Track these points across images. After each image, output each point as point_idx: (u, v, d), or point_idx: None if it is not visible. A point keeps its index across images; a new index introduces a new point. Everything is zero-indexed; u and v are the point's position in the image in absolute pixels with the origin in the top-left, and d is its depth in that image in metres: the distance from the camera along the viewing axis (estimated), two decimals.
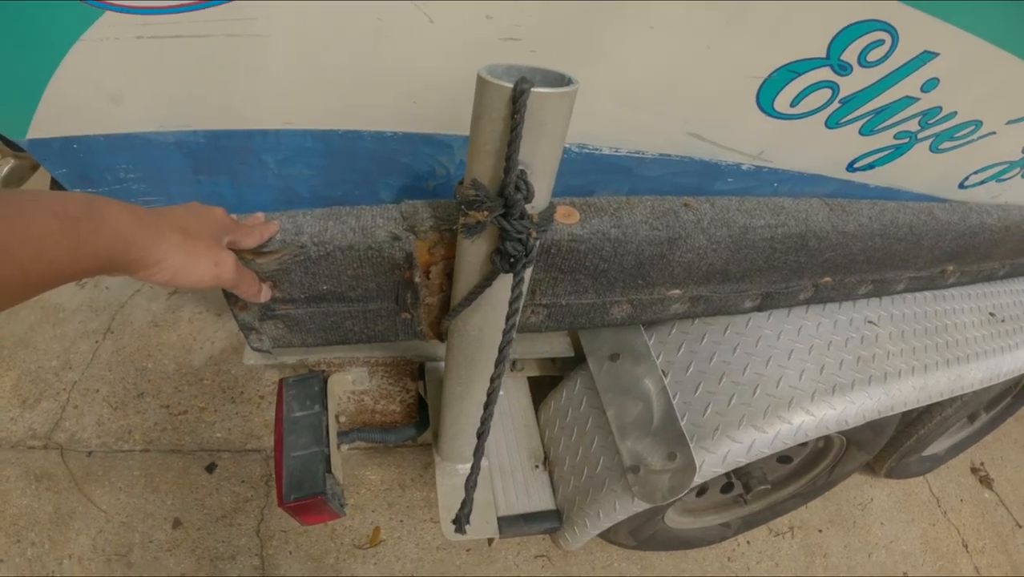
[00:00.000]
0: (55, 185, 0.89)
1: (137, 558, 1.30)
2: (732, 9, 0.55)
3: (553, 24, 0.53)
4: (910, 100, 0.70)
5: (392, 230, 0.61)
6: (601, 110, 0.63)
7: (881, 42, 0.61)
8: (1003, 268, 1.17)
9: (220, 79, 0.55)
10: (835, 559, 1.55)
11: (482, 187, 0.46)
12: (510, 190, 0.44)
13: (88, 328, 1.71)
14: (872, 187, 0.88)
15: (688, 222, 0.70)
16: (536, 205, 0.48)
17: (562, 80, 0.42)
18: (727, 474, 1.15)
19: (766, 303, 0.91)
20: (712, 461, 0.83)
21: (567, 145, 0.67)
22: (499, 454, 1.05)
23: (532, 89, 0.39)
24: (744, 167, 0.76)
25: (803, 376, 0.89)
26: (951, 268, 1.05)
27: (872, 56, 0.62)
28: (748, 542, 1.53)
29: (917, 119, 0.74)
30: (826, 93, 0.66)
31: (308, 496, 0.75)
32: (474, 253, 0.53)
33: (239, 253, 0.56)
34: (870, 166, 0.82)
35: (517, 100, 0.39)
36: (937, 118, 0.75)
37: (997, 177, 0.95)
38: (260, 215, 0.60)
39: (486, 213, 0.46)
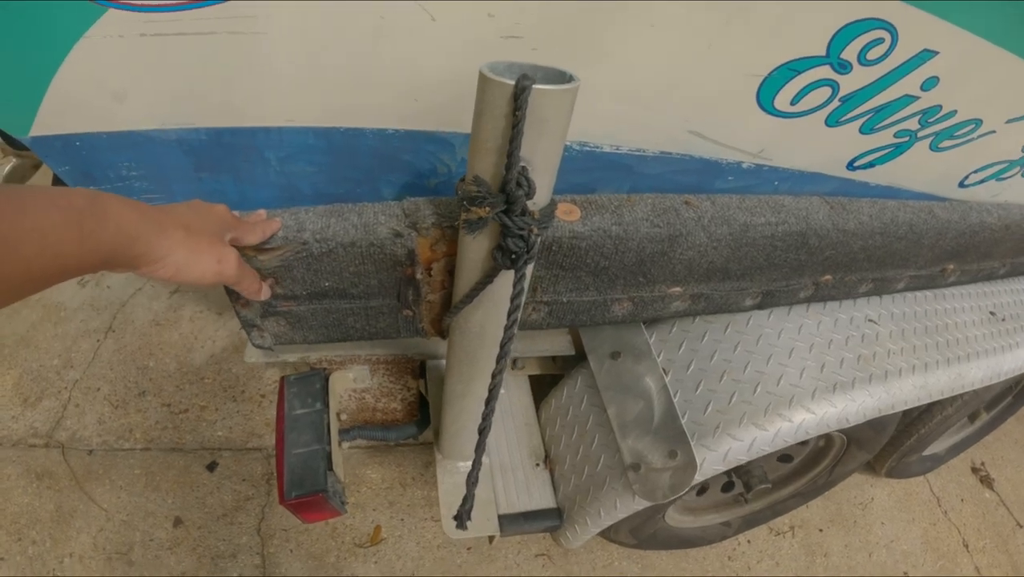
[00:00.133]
0: (57, 183, 0.89)
1: (138, 556, 1.30)
2: (732, 8, 0.55)
3: (554, 22, 0.54)
4: (910, 99, 0.70)
5: (394, 227, 0.61)
6: (602, 108, 0.64)
7: (881, 40, 0.61)
8: (1003, 267, 1.17)
9: (223, 77, 0.55)
10: (836, 558, 1.55)
11: (484, 183, 0.46)
12: (511, 186, 0.44)
13: (89, 327, 1.72)
14: (872, 185, 0.88)
15: (689, 220, 0.71)
16: (537, 202, 0.48)
17: (563, 77, 0.42)
18: (728, 473, 1.15)
19: (767, 301, 0.91)
20: (713, 459, 0.83)
21: (568, 143, 0.67)
22: (500, 452, 1.05)
23: (533, 86, 0.39)
24: (744, 165, 0.77)
25: (804, 374, 0.89)
26: (951, 267, 1.05)
27: (872, 54, 0.62)
28: (749, 541, 1.53)
29: (917, 118, 0.74)
30: (826, 91, 0.66)
31: (309, 493, 0.75)
32: (476, 250, 0.53)
33: (241, 250, 0.56)
34: (870, 164, 0.82)
35: (519, 97, 0.39)
36: (937, 117, 0.75)
37: (997, 176, 0.96)
38: (262, 212, 0.61)
39: (488, 209, 0.46)
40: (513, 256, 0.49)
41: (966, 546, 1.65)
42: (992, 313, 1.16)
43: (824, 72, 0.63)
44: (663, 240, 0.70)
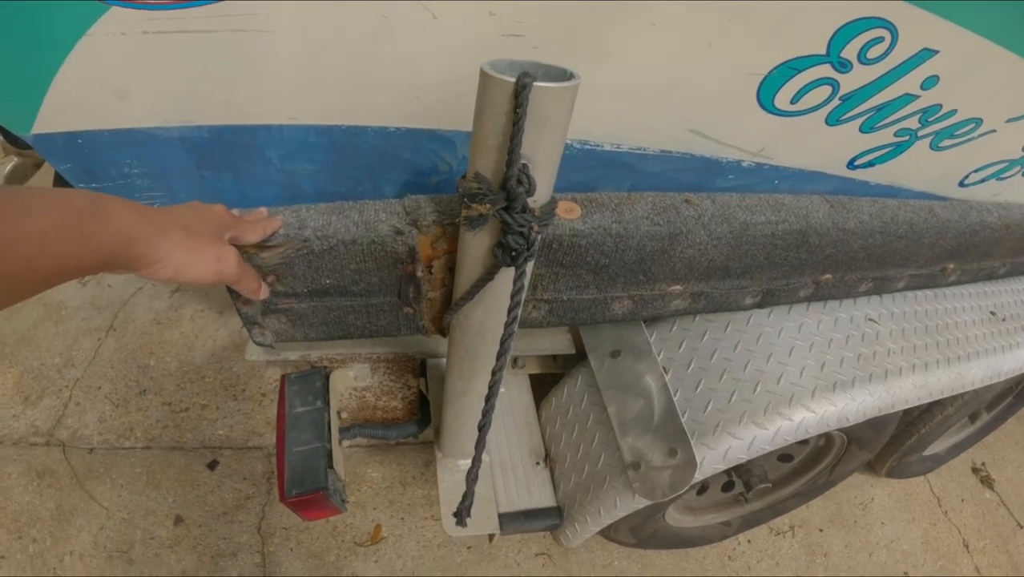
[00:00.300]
0: (59, 180, 0.89)
1: (138, 555, 1.30)
2: (733, 7, 0.55)
3: (556, 21, 0.54)
4: (910, 98, 0.70)
5: (395, 224, 0.61)
6: (603, 107, 0.64)
7: (881, 39, 0.61)
8: (1004, 267, 1.17)
9: (224, 75, 0.55)
10: (836, 558, 1.55)
11: (485, 180, 0.46)
12: (512, 183, 0.44)
13: (90, 325, 1.72)
14: (873, 184, 0.88)
15: (689, 218, 0.71)
16: (538, 199, 0.48)
17: (564, 75, 0.42)
18: (728, 472, 1.15)
19: (767, 300, 0.91)
20: (713, 458, 0.84)
21: (569, 141, 0.67)
22: (500, 451, 1.05)
23: (534, 83, 0.39)
24: (745, 164, 0.77)
25: (804, 373, 0.89)
26: (952, 266, 1.05)
27: (872, 53, 0.62)
28: (749, 541, 1.53)
29: (917, 117, 0.74)
30: (826, 90, 0.66)
31: (309, 491, 0.75)
32: (476, 247, 0.53)
33: (243, 248, 0.57)
34: (870, 163, 0.83)
35: (519, 94, 0.39)
36: (937, 116, 0.75)
37: (998, 175, 0.96)
38: (263, 210, 0.61)
39: (488, 206, 0.46)
40: (514, 253, 0.49)
41: (966, 546, 1.65)
42: (993, 313, 1.16)
43: (824, 71, 0.64)
44: (663, 238, 0.70)
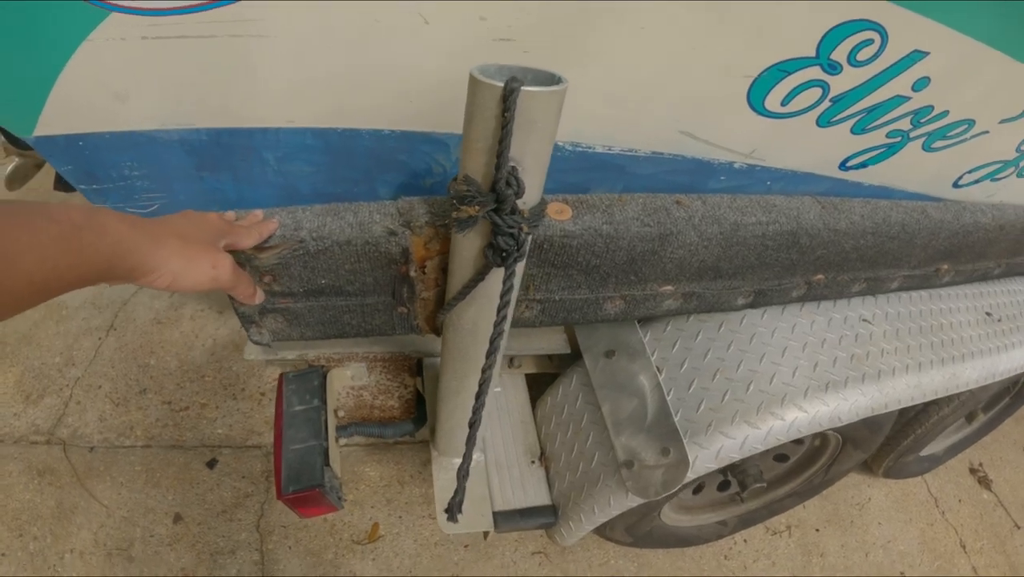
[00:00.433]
0: (59, 182, 0.90)
1: (138, 553, 1.31)
2: (722, 9, 0.56)
3: (546, 25, 0.55)
4: (901, 99, 0.71)
5: (388, 226, 0.62)
6: (594, 109, 0.64)
7: (871, 41, 0.62)
8: (998, 267, 1.18)
9: (222, 79, 0.56)
10: (832, 558, 1.55)
11: (474, 183, 0.47)
12: (501, 186, 0.45)
13: (91, 325, 1.73)
14: (866, 186, 0.88)
15: (679, 219, 0.71)
16: (527, 201, 0.49)
17: (552, 79, 0.43)
18: (724, 471, 1.16)
19: (759, 300, 0.91)
20: (705, 457, 0.84)
21: (560, 143, 0.68)
22: (496, 449, 1.06)
23: (522, 88, 0.40)
24: (736, 165, 0.77)
25: (796, 373, 0.90)
26: (945, 267, 1.05)
27: (862, 55, 0.63)
28: (745, 540, 1.53)
29: (909, 118, 0.75)
30: (816, 92, 0.67)
31: (306, 488, 0.76)
32: (467, 248, 0.54)
33: (238, 251, 0.58)
34: (863, 165, 0.83)
35: (507, 99, 0.40)
36: (929, 117, 0.76)
37: (992, 176, 0.96)
38: (259, 212, 0.62)
39: (478, 208, 0.47)
40: (503, 254, 0.50)
41: (963, 547, 1.65)
42: (988, 313, 1.16)
43: (814, 73, 0.64)
44: (654, 239, 0.71)
